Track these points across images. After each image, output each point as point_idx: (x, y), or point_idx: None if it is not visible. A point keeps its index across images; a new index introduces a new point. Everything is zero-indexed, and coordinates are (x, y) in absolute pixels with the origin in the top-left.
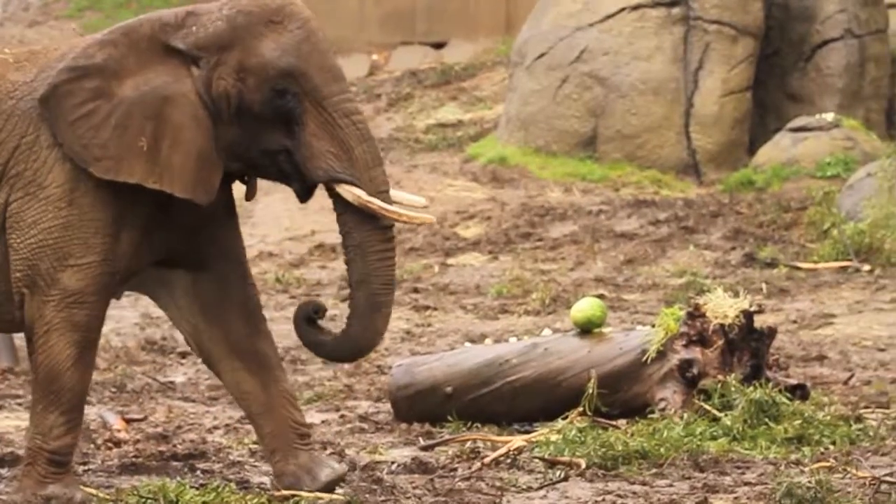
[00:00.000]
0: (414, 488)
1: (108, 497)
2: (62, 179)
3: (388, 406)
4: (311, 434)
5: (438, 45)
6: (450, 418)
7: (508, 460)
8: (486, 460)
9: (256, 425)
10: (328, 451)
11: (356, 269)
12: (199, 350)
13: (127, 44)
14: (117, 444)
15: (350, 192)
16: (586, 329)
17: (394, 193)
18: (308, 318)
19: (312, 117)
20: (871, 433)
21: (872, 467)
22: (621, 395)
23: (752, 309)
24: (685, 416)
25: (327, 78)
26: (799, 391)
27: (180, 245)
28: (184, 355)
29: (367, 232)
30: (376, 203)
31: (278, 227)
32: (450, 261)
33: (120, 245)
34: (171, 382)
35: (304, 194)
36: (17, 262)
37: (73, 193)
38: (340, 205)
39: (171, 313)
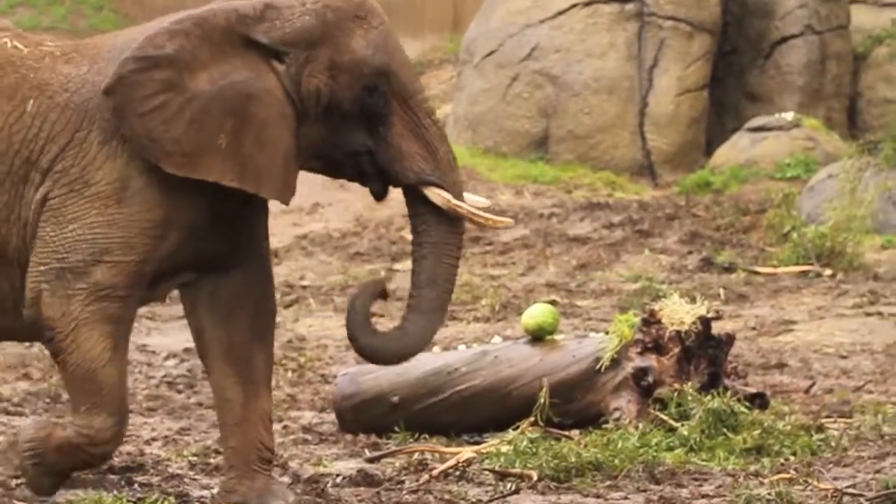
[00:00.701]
0: (360, 502)
1: None
2: (112, 177)
3: (332, 416)
4: (273, 460)
5: None
6: (397, 429)
7: (457, 472)
8: (435, 472)
9: (223, 436)
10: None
11: (426, 269)
12: (198, 345)
13: (199, 35)
14: None
15: (439, 196)
16: (538, 336)
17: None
18: (368, 303)
19: (398, 117)
20: (832, 443)
21: (834, 479)
22: (574, 405)
23: (710, 315)
24: (640, 426)
25: (411, 76)
26: (758, 400)
27: (223, 244)
28: None
29: (445, 234)
30: (465, 207)
31: None
32: (396, 266)
33: (163, 246)
34: None
35: (382, 194)
36: (44, 254)
37: (122, 192)
38: (422, 206)
39: (185, 306)
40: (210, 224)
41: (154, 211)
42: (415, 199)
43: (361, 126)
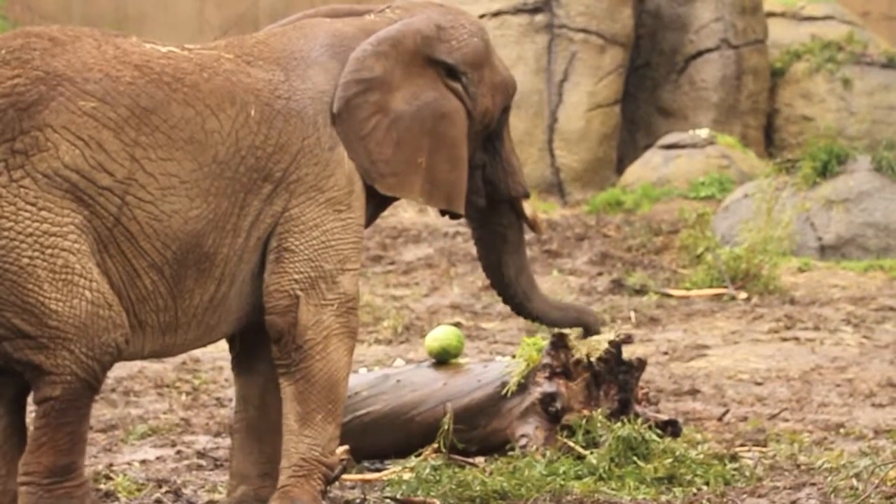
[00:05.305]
0: None
1: None
2: (343, 182)
3: (228, 441)
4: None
5: None
6: None
7: (358, 500)
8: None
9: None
10: (163, 490)
11: (514, 263)
12: None
13: (395, 56)
14: None
15: (530, 207)
16: (442, 359)
17: None
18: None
19: (507, 134)
20: (747, 473)
21: None
22: (479, 431)
23: (620, 339)
24: (548, 453)
25: None
26: (670, 427)
27: None
28: None
29: (521, 237)
30: (540, 218)
31: None
32: None
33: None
34: None
35: (481, 209)
36: (297, 263)
37: (350, 196)
38: (513, 215)
39: None
40: None
41: (364, 214)
42: (508, 209)
43: (481, 142)
